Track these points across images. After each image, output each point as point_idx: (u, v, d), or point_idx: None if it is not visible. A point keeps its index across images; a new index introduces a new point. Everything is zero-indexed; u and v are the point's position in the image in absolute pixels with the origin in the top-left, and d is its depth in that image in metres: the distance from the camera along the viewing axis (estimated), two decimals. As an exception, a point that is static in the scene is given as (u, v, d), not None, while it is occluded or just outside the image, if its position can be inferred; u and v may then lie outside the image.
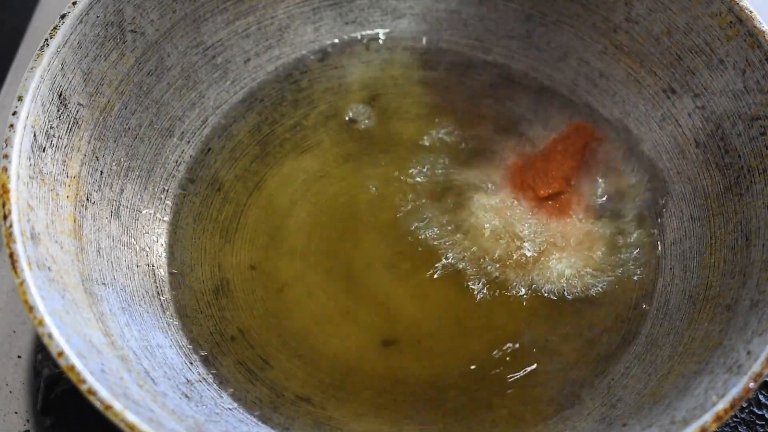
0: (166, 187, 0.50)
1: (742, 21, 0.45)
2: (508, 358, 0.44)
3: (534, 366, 0.44)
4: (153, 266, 0.47)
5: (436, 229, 0.49)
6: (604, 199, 0.50)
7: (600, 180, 0.50)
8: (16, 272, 0.35)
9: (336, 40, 0.57)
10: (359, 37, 0.57)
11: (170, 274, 0.47)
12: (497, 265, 0.47)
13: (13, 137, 0.39)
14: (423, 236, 0.49)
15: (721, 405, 0.34)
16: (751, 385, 0.34)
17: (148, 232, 0.48)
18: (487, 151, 0.52)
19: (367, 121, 0.54)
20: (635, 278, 0.47)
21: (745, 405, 0.46)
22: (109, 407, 0.32)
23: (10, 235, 0.36)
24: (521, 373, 0.44)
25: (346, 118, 0.54)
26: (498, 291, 0.46)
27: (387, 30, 0.57)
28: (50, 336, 0.34)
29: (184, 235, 0.49)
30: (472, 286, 0.47)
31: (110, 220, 0.45)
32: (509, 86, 0.55)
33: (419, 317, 0.46)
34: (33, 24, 0.65)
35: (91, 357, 0.35)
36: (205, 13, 0.51)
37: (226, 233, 0.50)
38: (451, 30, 0.57)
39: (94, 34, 0.44)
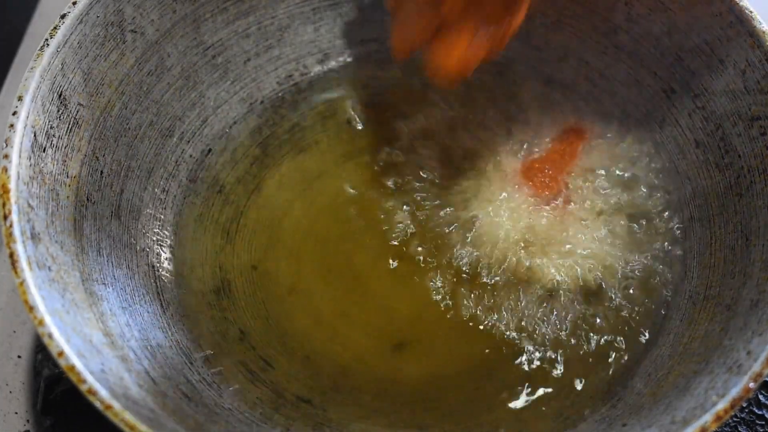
0: (167, 188, 0.50)
1: (742, 21, 0.45)
2: (508, 359, 0.44)
3: (534, 366, 0.44)
4: (153, 266, 0.47)
5: (436, 229, 0.49)
6: (604, 199, 0.50)
7: (600, 180, 0.50)
8: (16, 272, 0.35)
9: (336, 41, 0.57)
10: (359, 37, 0.57)
11: (171, 274, 0.47)
12: (497, 266, 0.47)
13: (13, 137, 0.39)
14: (423, 236, 0.49)
15: (721, 405, 0.34)
16: (751, 385, 0.34)
17: (148, 232, 0.48)
18: (486, 152, 0.52)
19: (366, 122, 0.54)
20: (635, 278, 0.47)
21: (745, 405, 0.46)
22: (109, 407, 0.32)
23: (10, 235, 0.36)
24: (521, 374, 0.44)
25: (346, 118, 0.54)
26: (498, 291, 0.46)
27: (387, 30, 0.57)
28: (50, 336, 0.34)
29: (184, 235, 0.49)
30: (473, 286, 0.47)
31: (110, 220, 0.45)
32: (509, 86, 0.55)
33: (420, 319, 0.46)
34: (33, 24, 0.65)
35: (91, 357, 0.35)
36: (205, 13, 0.51)
37: (227, 234, 0.50)
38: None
39: (94, 34, 0.44)
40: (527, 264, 0.47)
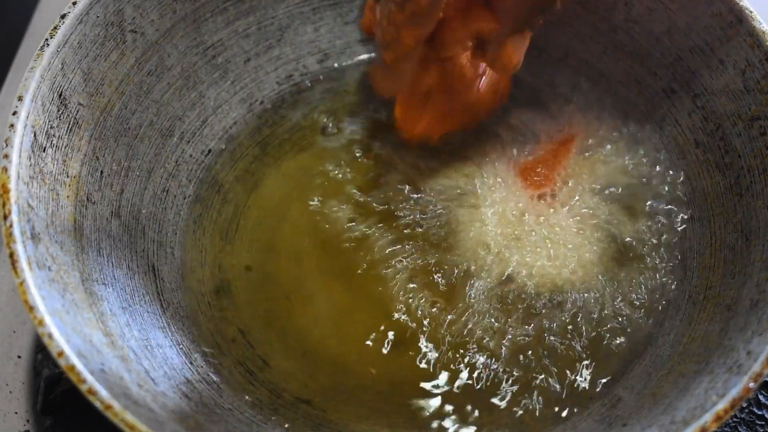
0: (167, 188, 0.50)
1: (742, 21, 0.45)
2: (507, 361, 0.44)
3: (534, 367, 0.44)
4: (153, 266, 0.47)
5: (436, 228, 0.49)
6: (604, 199, 0.50)
7: (599, 180, 0.50)
8: (16, 272, 0.35)
9: (336, 41, 0.57)
10: (359, 37, 0.57)
11: (171, 274, 0.47)
12: (496, 265, 0.47)
13: (14, 137, 0.39)
14: (424, 233, 0.49)
15: (721, 405, 0.34)
16: (751, 385, 0.34)
17: (148, 232, 0.47)
18: (485, 150, 0.52)
19: (366, 120, 0.54)
20: (635, 278, 0.47)
21: (745, 405, 0.46)
22: (109, 407, 0.32)
23: (10, 235, 0.36)
24: (521, 375, 0.44)
25: (346, 118, 0.54)
26: (497, 292, 0.46)
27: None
28: (50, 336, 0.34)
29: (184, 235, 0.49)
30: (473, 286, 0.47)
31: (110, 220, 0.45)
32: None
33: (420, 318, 0.46)
34: (33, 24, 0.65)
35: (91, 357, 0.35)
36: (205, 13, 0.51)
37: (226, 234, 0.50)
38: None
39: (95, 34, 0.44)
40: (525, 263, 0.47)
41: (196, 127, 0.52)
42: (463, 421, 0.43)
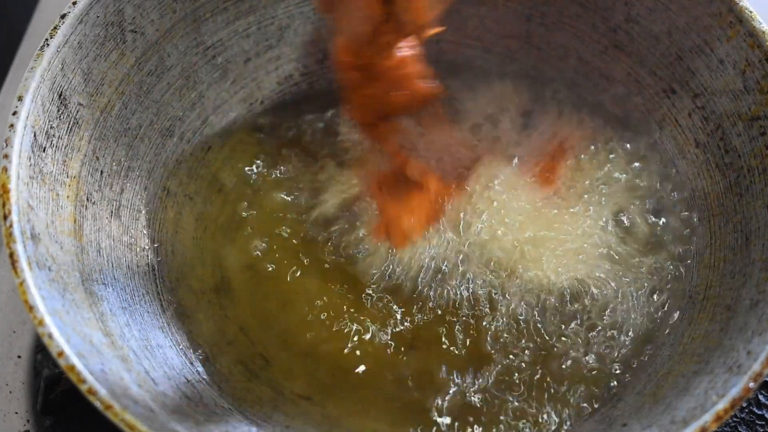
0: (167, 187, 0.50)
1: (742, 21, 0.45)
2: (507, 361, 0.44)
3: (533, 366, 0.44)
4: (153, 266, 0.47)
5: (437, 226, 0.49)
6: (603, 199, 0.50)
7: (599, 180, 0.50)
8: (16, 272, 0.35)
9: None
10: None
11: (171, 274, 0.47)
12: (498, 266, 0.47)
13: (13, 137, 0.39)
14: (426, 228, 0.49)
15: (721, 405, 0.34)
16: (751, 385, 0.34)
17: (148, 232, 0.48)
18: (484, 146, 0.52)
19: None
20: (635, 278, 0.47)
21: (745, 405, 0.46)
22: (109, 407, 0.32)
23: (10, 235, 0.36)
24: (522, 375, 0.44)
25: (346, 117, 0.54)
26: (499, 292, 0.46)
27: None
28: (50, 336, 0.34)
29: (184, 235, 0.49)
30: (474, 284, 0.47)
31: (110, 220, 0.45)
32: (508, 86, 0.55)
33: (421, 316, 0.46)
34: (33, 24, 0.65)
35: (91, 357, 0.35)
36: (205, 13, 0.51)
37: (227, 233, 0.50)
38: (451, 29, 0.57)
39: (95, 34, 0.44)
40: (525, 261, 0.47)
41: (196, 127, 0.52)
42: (465, 417, 0.43)
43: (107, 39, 0.45)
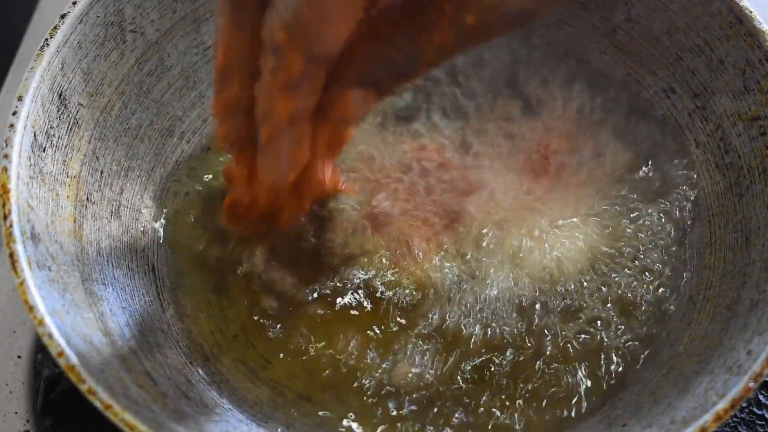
0: (167, 187, 0.50)
1: (742, 21, 0.45)
2: (507, 360, 0.44)
3: (532, 367, 0.44)
4: (153, 266, 0.47)
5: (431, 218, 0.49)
6: (602, 199, 0.50)
7: (598, 180, 0.50)
8: (16, 272, 0.35)
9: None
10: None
11: (171, 273, 0.47)
12: (494, 265, 0.47)
13: (13, 137, 0.39)
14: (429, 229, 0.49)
15: (721, 405, 0.34)
16: (751, 385, 0.34)
17: (148, 232, 0.48)
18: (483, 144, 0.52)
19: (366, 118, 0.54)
20: (634, 278, 0.47)
21: (745, 405, 0.46)
22: (109, 407, 0.33)
23: (10, 235, 0.36)
24: (520, 375, 0.44)
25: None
26: (498, 292, 0.46)
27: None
28: (50, 336, 0.34)
29: (184, 235, 0.49)
30: (473, 282, 0.47)
31: (110, 220, 0.45)
32: (508, 87, 0.55)
33: (421, 314, 0.46)
34: (33, 24, 0.65)
35: (91, 357, 0.35)
36: (206, 13, 0.51)
37: (227, 233, 0.50)
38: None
39: (94, 34, 0.44)
40: (523, 260, 0.47)
41: (196, 127, 0.52)
42: (466, 415, 0.43)
43: (107, 39, 0.45)
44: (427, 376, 0.44)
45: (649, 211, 0.49)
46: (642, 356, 0.44)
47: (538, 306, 0.46)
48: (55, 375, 0.45)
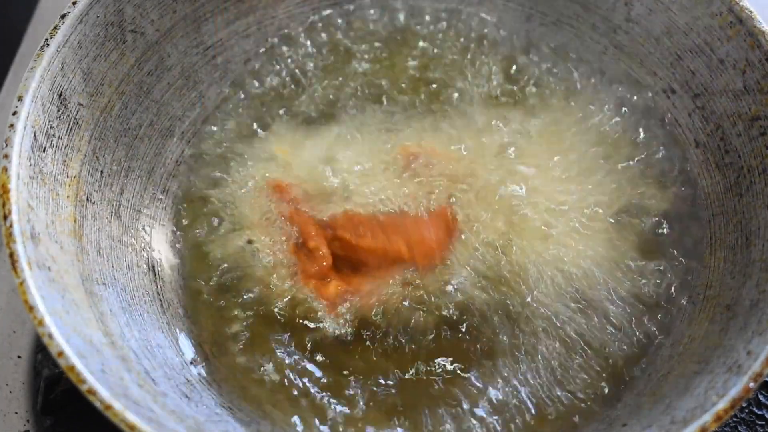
0: (167, 187, 0.50)
1: (742, 21, 0.45)
2: (506, 360, 0.44)
3: (532, 367, 0.44)
4: (153, 266, 0.47)
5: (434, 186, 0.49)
6: (602, 199, 0.50)
7: (598, 181, 0.50)
8: (16, 272, 0.35)
9: (336, 41, 0.57)
10: (358, 37, 0.57)
11: (171, 274, 0.47)
12: (492, 257, 0.47)
13: (13, 137, 0.39)
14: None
15: (721, 405, 0.34)
16: (751, 385, 0.34)
17: (148, 232, 0.48)
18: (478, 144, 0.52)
19: (365, 114, 0.54)
20: (634, 278, 0.47)
21: (745, 405, 0.46)
22: (109, 407, 0.33)
23: (10, 235, 0.36)
24: (521, 375, 0.44)
25: (345, 115, 0.54)
26: (499, 293, 0.46)
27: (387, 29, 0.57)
28: (50, 336, 0.34)
29: (184, 234, 0.49)
30: (475, 280, 0.47)
31: (110, 220, 0.45)
32: (508, 86, 0.55)
33: (420, 312, 0.46)
34: (33, 24, 0.65)
35: (91, 357, 0.35)
36: (205, 13, 0.51)
37: (227, 233, 0.50)
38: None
39: (95, 34, 0.44)
40: (523, 263, 0.47)
41: (196, 127, 0.52)
42: (467, 414, 0.43)
43: (107, 39, 0.45)
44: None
45: (649, 211, 0.49)
46: (642, 356, 0.44)
47: (538, 305, 0.46)
48: (55, 375, 0.45)
